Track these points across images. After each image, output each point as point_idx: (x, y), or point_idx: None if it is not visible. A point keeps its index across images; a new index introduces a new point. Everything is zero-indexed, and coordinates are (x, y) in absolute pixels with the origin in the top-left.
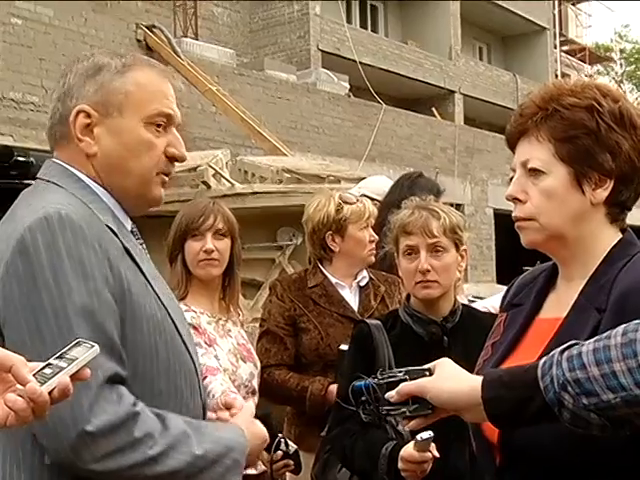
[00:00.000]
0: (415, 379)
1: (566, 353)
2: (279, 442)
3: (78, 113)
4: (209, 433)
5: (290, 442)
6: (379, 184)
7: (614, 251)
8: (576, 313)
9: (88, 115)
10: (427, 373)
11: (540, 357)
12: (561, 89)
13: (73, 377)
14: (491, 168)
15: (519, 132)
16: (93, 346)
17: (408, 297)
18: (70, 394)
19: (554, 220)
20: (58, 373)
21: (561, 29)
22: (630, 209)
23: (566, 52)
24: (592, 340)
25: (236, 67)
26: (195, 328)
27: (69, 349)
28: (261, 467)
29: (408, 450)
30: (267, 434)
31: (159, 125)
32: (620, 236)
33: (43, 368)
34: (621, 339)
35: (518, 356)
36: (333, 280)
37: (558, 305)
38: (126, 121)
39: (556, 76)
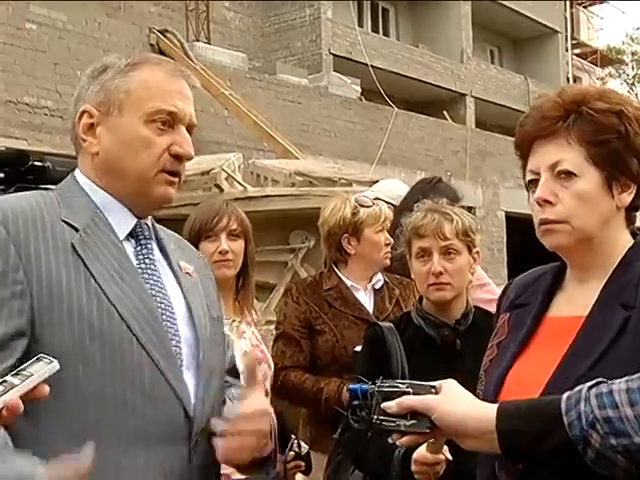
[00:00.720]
0: (419, 394)
1: (594, 390)
2: (292, 443)
3: (82, 114)
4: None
5: (303, 443)
6: (393, 188)
7: (630, 253)
8: (600, 310)
9: (90, 115)
10: (433, 390)
11: (566, 355)
12: (588, 92)
13: (30, 393)
14: (502, 171)
15: (540, 134)
16: (52, 362)
17: (420, 299)
18: (19, 411)
19: (587, 223)
20: (9, 391)
21: (572, 32)
22: (639, 209)
23: (577, 55)
24: (624, 379)
25: (248, 71)
26: None
27: (28, 365)
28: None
29: (421, 452)
30: None
31: (164, 123)
32: (631, 239)
33: None
34: None
35: (531, 354)
36: (348, 283)
37: (570, 304)
38: (125, 119)
39: (567, 79)
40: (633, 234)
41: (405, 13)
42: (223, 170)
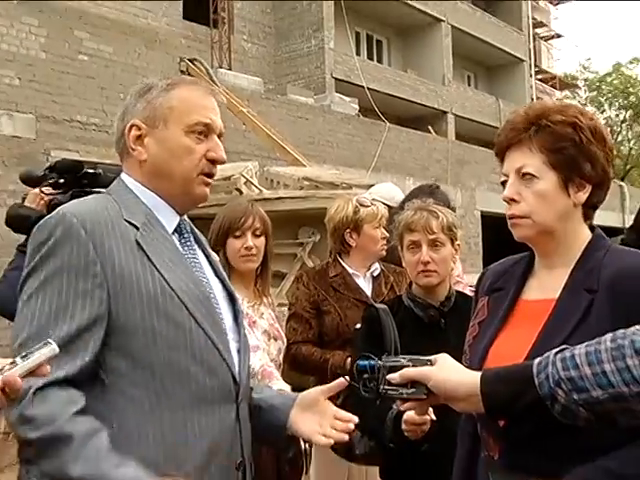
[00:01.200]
0: (417, 366)
1: (560, 355)
2: None
3: (131, 127)
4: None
5: None
6: (388, 190)
7: (592, 243)
8: (569, 294)
9: (139, 128)
10: (429, 363)
11: (541, 333)
12: (548, 107)
13: (33, 373)
14: (479, 177)
15: (510, 143)
16: (51, 345)
17: (410, 285)
18: (18, 389)
19: (545, 218)
20: (10, 370)
21: (535, 61)
22: (597, 208)
23: (540, 80)
24: (584, 345)
25: (263, 92)
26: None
27: (36, 349)
28: None
29: (410, 414)
30: None
31: (200, 133)
32: (590, 232)
33: (6, 365)
34: (610, 344)
35: (511, 332)
36: (350, 271)
37: (540, 289)
38: (170, 131)
39: (532, 100)
40: (591, 228)
41: (396, 44)
42: (242, 176)
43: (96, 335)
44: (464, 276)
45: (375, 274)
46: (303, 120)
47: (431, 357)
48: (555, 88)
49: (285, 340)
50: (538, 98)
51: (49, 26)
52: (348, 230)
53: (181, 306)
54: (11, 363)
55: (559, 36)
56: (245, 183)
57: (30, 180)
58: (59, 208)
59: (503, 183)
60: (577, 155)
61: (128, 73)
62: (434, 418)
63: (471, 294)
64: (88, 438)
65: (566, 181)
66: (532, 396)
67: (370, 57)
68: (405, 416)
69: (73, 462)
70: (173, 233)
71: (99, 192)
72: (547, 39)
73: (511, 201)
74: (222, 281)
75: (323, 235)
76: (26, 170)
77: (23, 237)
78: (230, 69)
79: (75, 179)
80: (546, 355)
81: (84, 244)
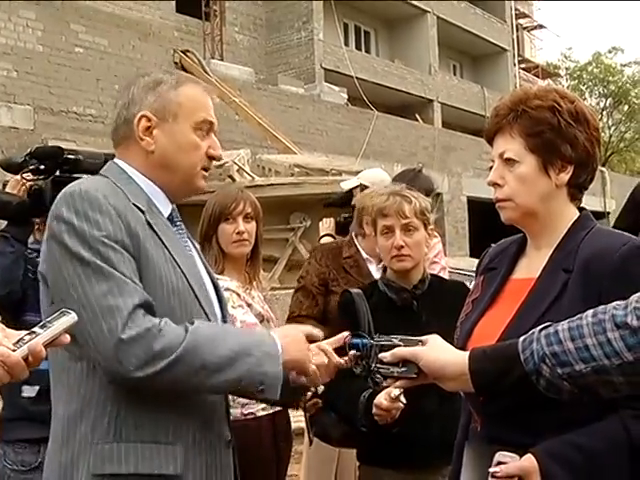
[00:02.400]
0: (408, 346)
1: (544, 331)
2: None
3: (141, 117)
4: (234, 333)
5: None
6: (375, 174)
7: (576, 224)
8: (547, 274)
9: (149, 119)
10: (420, 343)
11: (518, 311)
12: (528, 93)
13: (53, 342)
14: (464, 163)
15: (495, 129)
16: (70, 314)
17: (385, 269)
18: (42, 357)
19: (527, 200)
20: (33, 339)
21: (519, 50)
22: (586, 189)
23: (523, 69)
24: (567, 321)
25: (254, 83)
26: (238, 295)
27: (54, 318)
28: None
29: (379, 399)
30: (310, 331)
31: (204, 130)
32: (577, 213)
33: (27, 335)
34: (592, 319)
35: (496, 310)
36: (364, 255)
37: (529, 268)
38: (179, 126)
39: (515, 88)
40: (580, 209)
41: (383, 35)
42: (235, 163)
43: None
44: (446, 258)
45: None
46: (293, 109)
47: (422, 337)
48: (538, 77)
49: (275, 321)
50: (521, 86)
51: (46, 20)
52: (368, 218)
53: (189, 288)
54: (30, 333)
55: (541, 27)
56: (237, 170)
57: (10, 167)
58: (74, 184)
59: (491, 168)
60: (555, 138)
61: (123, 65)
62: (405, 402)
63: (447, 277)
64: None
65: (545, 163)
66: (518, 372)
67: (358, 48)
68: (375, 400)
69: (213, 349)
70: (168, 218)
71: (80, 177)
72: (530, 29)
73: (495, 185)
74: (207, 268)
75: (314, 220)
76: (6, 157)
77: (4, 223)
78: (222, 60)
79: (55, 165)
80: (531, 332)
81: (117, 219)
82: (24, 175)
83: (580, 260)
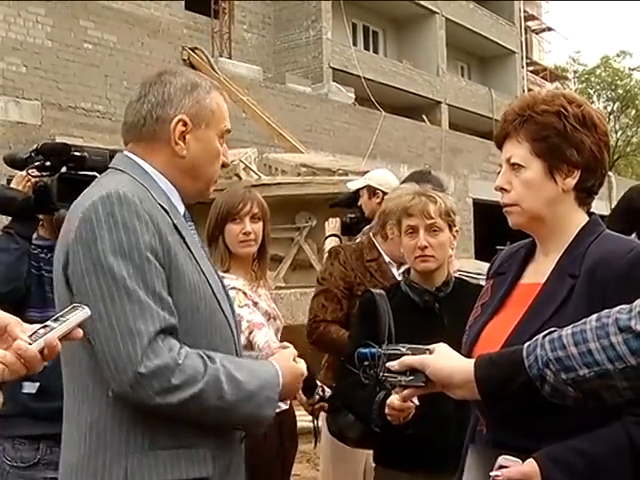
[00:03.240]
0: (416, 355)
1: (548, 337)
2: (318, 388)
3: (179, 121)
4: (247, 370)
5: (326, 388)
6: (382, 175)
7: (584, 229)
8: (554, 279)
9: (185, 124)
10: (427, 352)
11: (523, 316)
12: (535, 98)
13: (67, 336)
14: (471, 165)
15: (503, 135)
16: (84, 309)
17: (408, 271)
18: (58, 351)
19: (533, 205)
20: (48, 333)
21: (527, 53)
22: (596, 193)
23: (531, 72)
24: (571, 326)
25: (262, 81)
26: (244, 293)
27: (66, 312)
28: (286, 404)
29: (392, 399)
30: (305, 371)
31: (223, 138)
32: (587, 218)
33: (40, 328)
34: (595, 323)
35: (504, 314)
36: (386, 258)
37: (537, 273)
38: (210, 133)
39: (523, 91)
40: (590, 214)
41: (391, 35)
42: (242, 162)
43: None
44: (455, 261)
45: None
46: (301, 108)
47: (429, 346)
48: (546, 80)
49: (282, 319)
50: (529, 89)
51: (55, 15)
52: (392, 222)
53: (211, 292)
54: (44, 326)
55: (550, 29)
56: (244, 169)
57: (15, 163)
58: (113, 186)
59: (499, 173)
60: (561, 142)
61: (131, 61)
62: (417, 404)
63: (462, 278)
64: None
65: (551, 168)
66: (523, 378)
67: (366, 48)
68: (388, 401)
69: (225, 391)
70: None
71: (85, 175)
72: (538, 32)
73: (502, 190)
74: (214, 268)
75: (320, 220)
76: (11, 153)
77: (9, 219)
78: (230, 58)
79: (61, 162)
80: (535, 338)
81: (150, 226)
82: (29, 171)
83: (586, 265)
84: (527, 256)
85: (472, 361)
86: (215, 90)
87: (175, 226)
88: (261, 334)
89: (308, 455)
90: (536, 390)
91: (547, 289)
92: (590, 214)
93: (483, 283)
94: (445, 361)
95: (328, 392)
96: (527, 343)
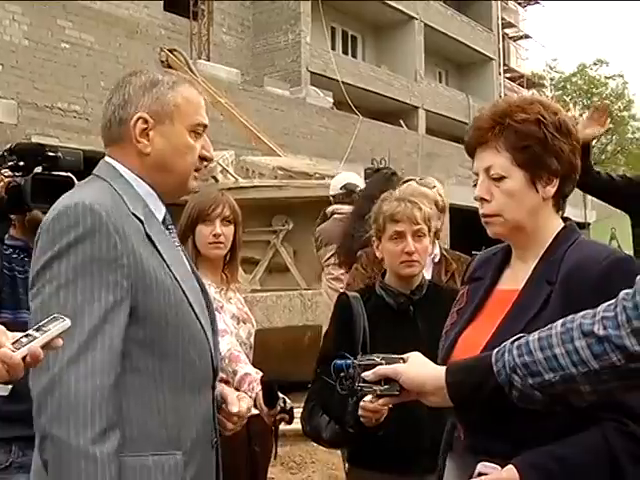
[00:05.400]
0: (390, 364)
1: (516, 342)
2: (279, 399)
3: (138, 119)
4: None
5: (287, 400)
6: (347, 178)
7: (560, 235)
8: (531, 285)
9: (146, 121)
10: (401, 361)
11: (501, 322)
12: (511, 106)
13: (46, 345)
14: (447, 170)
15: (478, 142)
16: (65, 320)
17: (384, 274)
18: (40, 359)
19: (515, 215)
20: (31, 342)
21: (504, 60)
22: (568, 197)
23: (508, 78)
24: (538, 331)
25: (240, 84)
26: None
27: (47, 322)
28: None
29: (365, 401)
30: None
31: (198, 132)
32: (562, 223)
33: (23, 337)
34: (560, 329)
35: (481, 321)
36: None
37: (514, 279)
38: (176, 128)
39: (500, 97)
40: (564, 219)
41: (370, 40)
42: (218, 164)
43: (123, 315)
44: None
45: (436, 260)
46: (279, 112)
47: (404, 355)
48: (522, 86)
49: (254, 323)
50: (506, 95)
51: (32, 14)
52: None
53: (183, 298)
54: (26, 335)
55: (527, 37)
56: (221, 171)
57: None
58: (78, 197)
59: (475, 182)
60: (542, 152)
61: (109, 62)
62: (390, 405)
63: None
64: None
65: (533, 178)
66: (492, 384)
67: (345, 52)
68: (361, 403)
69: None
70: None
71: (59, 175)
72: (516, 39)
73: (482, 200)
74: (195, 273)
75: (296, 223)
76: None
77: None
78: (209, 60)
79: (35, 162)
80: (504, 344)
81: (112, 236)
82: (2, 171)
83: (563, 272)
84: (503, 262)
85: (444, 368)
86: (183, 85)
87: (148, 236)
88: (224, 342)
89: (282, 458)
90: (505, 395)
91: (524, 295)
92: (565, 219)
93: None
94: (418, 369)
95: (289, 404)
96: (496, 349)
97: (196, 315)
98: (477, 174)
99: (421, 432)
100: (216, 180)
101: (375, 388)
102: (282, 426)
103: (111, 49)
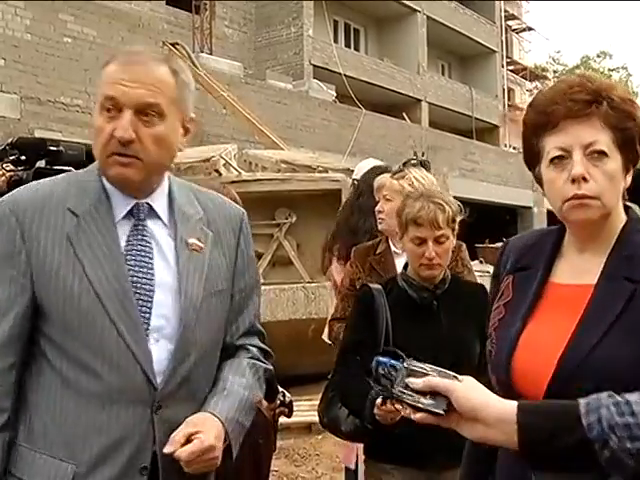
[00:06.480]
0: (444, 378)
1: (612, 399)
2: (279, 394)
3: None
4: None
5: (287, 394)
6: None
7: (627, 227)
8: (607, 282)
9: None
10: (455, 378)
11: (579, 324)
12: (610, 83)
13: None
14: (451, 163)
15: (575, 115)
16: None
17: (406, 266)
18: None
19: (611, 200)
20: None
21: (507, 52)
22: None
23: (511, 71)
24: (637, 392)
25: (243, 77)
26: None
27: None
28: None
29: (379, 400)
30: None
31: (109, 110)
32: (624, 213)
33: None
34: None
35: (541, 318)
36: (393, 249)
37: (572, 272)
38: (95, 112)
39: (503, 90)
40: (625, 208)
41: (372, 33)
42: (222, 158)
43: (12, 319)
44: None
45: None
46: (281, 105)
47: (459, 376)
48: (525, 79)
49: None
50: (509, 88)
51: (34, 9)
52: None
53: (96, 301)
54: None
55: (530, 29)
56: (224, 165)
57: None
58: (6, 195)
59: (558, 158)
60: (635, 136)
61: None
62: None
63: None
64: None
65: (627, 162)
66: (577, 436)
67: (347, 45)
68: (377, 401)
69: None
70: (128, 218)
71: (61, 170)
72: (519, 31)
73: (583, 180)
74: (179, 273)
75: (299, 216)
76: None
77: None
78: (211, 54)
79: (37, 156)
80: (595, 397)
81: (12, 232)
82: (4, 165)
83: None
84: (554, 251)
85: (510, 402)
86: (115, 59)
87: (68, 235)
88: None
89: (286, 451)
90: (591, 452)
91: (600, 294)
92: (626, 208)
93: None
94: (477, 393)
95: (289, 397)
96: (584, 400)
97: (113, 323)
98: (566, 150)
99: (437, 430)
100: (219, 174)
101: (418, 399)
102: (286, 419)
103: (113, 43)
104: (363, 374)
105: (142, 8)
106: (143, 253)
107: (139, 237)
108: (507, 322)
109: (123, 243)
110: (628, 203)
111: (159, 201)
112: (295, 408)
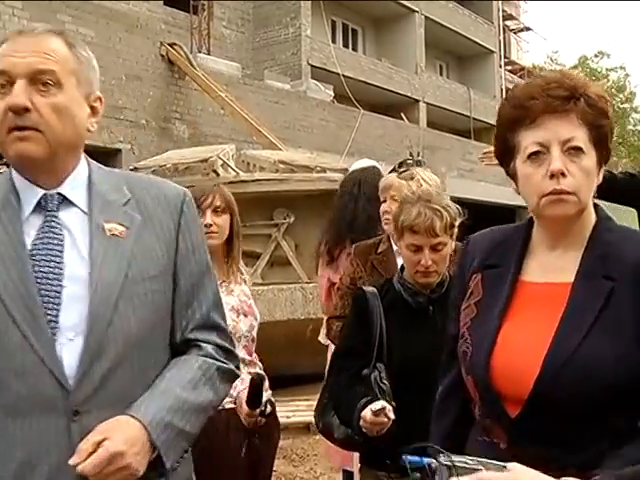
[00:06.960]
0: (492, 470)
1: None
2: (264, 402)
3: None
4: None
5: (271, 405)
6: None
7: (598, 225)
8: (585, 281)
9: None
10: (504, 468)
11: (560, 324)
12: (585, 80)
13: None
14: (449, 163)
15: (553, 110)
16: None
17: (402, 269)
18: None
19: (587, 196)
20: None
21: (505, 52)
22: None
23: (509, 71)
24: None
25: (241, 78)
26: None
27: None
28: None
29: (365, 411)
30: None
31: (3, 86)
32: (594, 212)
33: None
34: None
35: (520, 317)
36: (395, 247)
37: (543, 270)
38: None
39: (501, 90)
40: (593, 205)
41: (370, 33)
42: (219, 158)
43: None
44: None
45: None
46: (279, 105)
47: (507, 463)
48: (523, 79)
49: (258, 316)
50: (507, 88)
51: (32, 9)
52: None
53: (1, 306)
54: None
55: (528, 29)
56: (222, 165)
57: None
58: None
59: (535, 153)
60: (608, 133)
61: (109, 56)
62: (392, 417)
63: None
64: None
65: (600, 159)
66: None
67: (345, 45)
68: (362, 413)
69: None
70: (37, 211)
71: None
72: (517, 32)
73: (561, 175)
74: (92, 264)
75: (297, 216)
76: None
77: None
78: (209, 54)
79: None
80: (608, 473)
81: None
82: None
83: (629, 267)
84: (523, 249)
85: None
86: (6, 41)
87: None
88: None
89: (285, 451)
90: None
91: (580, 292)
92: (594, 205)
93: None
94: (529, 477)
95: (270, 409)
96: (598, 477)
97: (17, 326)
98: (543, 145)
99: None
100: (217, 174)
101: None
102: (285, 419)
103: (111, 43)
104: (354, 383)
105: (140, 8)
106: (51, 246)
107: (47, 231)
108: (481, 321)
109: (31, 239)
110: (596, 201)
111: (76, 189)
112: (293, 408)
